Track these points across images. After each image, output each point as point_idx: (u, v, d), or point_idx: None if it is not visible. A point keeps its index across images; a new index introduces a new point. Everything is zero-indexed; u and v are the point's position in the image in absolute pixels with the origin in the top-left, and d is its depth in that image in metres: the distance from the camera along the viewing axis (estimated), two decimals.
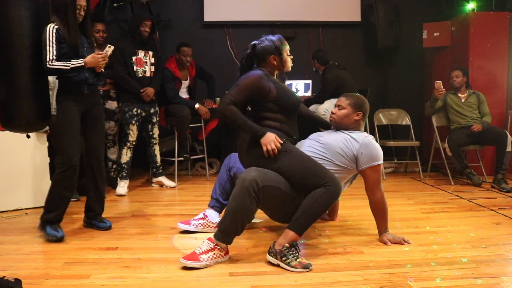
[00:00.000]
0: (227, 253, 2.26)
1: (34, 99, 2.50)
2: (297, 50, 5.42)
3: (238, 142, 2.46)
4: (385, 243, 2.48)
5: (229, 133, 4.70)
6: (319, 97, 4.63)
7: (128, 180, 4.00)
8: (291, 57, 2.52)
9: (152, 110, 4.05)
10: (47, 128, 3.27)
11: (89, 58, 2.61)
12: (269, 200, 2.25)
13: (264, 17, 5.27)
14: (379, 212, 2.52)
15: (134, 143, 3.99)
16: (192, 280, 2.03)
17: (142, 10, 4.63)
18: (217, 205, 2.75)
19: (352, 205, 3.27)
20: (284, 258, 2.13)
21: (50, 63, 2.50)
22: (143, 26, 3.87)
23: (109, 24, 4.31)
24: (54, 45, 2.50)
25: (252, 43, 2.50)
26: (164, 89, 4.22)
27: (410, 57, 5.40)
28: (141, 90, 3.89)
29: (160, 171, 4.25)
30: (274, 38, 2.47)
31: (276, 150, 2.25)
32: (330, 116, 2.63)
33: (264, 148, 2.25)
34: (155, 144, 4.17)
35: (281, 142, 2.28)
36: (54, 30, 2.51)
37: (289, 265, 2.12)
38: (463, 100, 4.35)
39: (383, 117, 4.98)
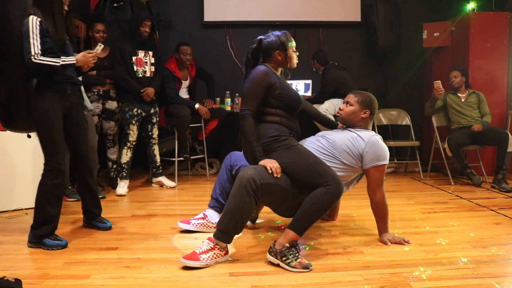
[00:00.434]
0: (227, 253, 2.26)
1: None
2: (297, 50, 5.42)
3: (242, 139, 2.45)
4: (385, 243, 2.48)
5: (229, 133, 4.70)
6: (319, 97, 4.64)
7: (128, 180, 4.00)
8: (297, 53, 2.52)
9: (152, 110, 4.05)
10: None
11: (80, 56, 2.49)
12: (269, 197, 2.25)
13: (264, 17, 5.27)
14: (379, 212, 2.52)
15: (134, 143, 3.99)
16: (192, 280, 2.03)
17: (142, 10, 4.63)
18: (217, 205, 2.75)
19: (353, 205, 3.27)
20: (284, 258, 2.13)
21: (35, 57, 2.32)
22: (143, 26, 3.88)
23: (109, 24, 4.31)
24: (38, 38, 2.33)
25: (258, 37, 2.49)
26: (164, 89, 4.22)
27: (410, 57, 5.40)
28: (141, 90, 3.89)
29: (160, 171, 4.25)
30: (280, 33, 2.46)
31: (279, 169, 2.22)
32: (338, 112, 2.63)
33: (267, 167, 2.21)
34: (155, 144, 4.17)
35: (278, 166, 2.23)
36: (38, 23, 2.34)
37: (289, 265, 2.11)
38: (463, 100, 4.35)
39: (383, 117, 4.98)
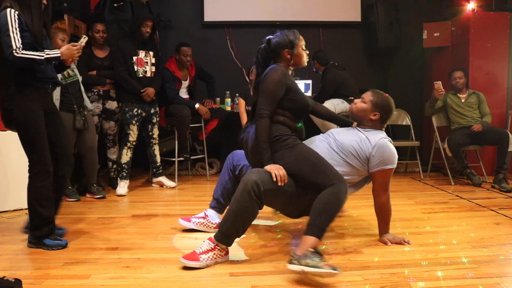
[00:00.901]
0: (227, 253, 2.26)
1: None
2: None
3: (243, 138, 2.43)
4: (385, 243, 2.48)
5: (229, 133, 4.70)
6: (319, 97, 4.63)
7: (128, 180, 4.00)
8: (307, 52, 2.50)
9: (152, 110, 4.05)
10: None
11: (64, 49, 2.38)
12: (273, 200, 2.25)
13: (264, 17, 5.27)
14: (383, 214, 2.50)
15: (134, 143, 3.99)
16: (192, 280, 2.03)
17: (142, 10, 4.63)
18: (217, 206, 2.75)
19: (353, 205, 3.27)
20: (308, 261, 1.96)
21: (17, 51, 2.20)
22: (144, 26, 3.88)
23: (109, 24, 4.31)
24: (18, 32, 2.22)
25: (267, 37, 2.45)
26: (164, 89, 4.22)
27: (410, 57, 5.40)
28: (142, 90, 3.89)
29: (160, 171, 4.25)
30: (288, 32, 2.44)
31: (285, 177, 2.18)
32: (351, 105, 2.60)
33: (272, 174, 2.18)
34: (155, 144, 4.17)
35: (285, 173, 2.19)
36: (16, 16, 2.23)
37: (316, 267, 1.93)
38: (463, 101, 4.35)
39: None
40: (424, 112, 5.01)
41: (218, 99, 4.94)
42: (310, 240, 2.10)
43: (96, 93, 3.98)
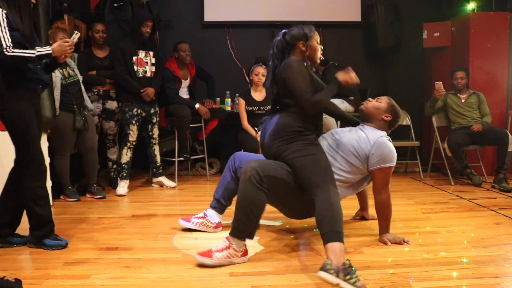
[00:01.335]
0: (244, 254, 2.23)
1: (43, 100, 2.49)
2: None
3: (261, 130, 2.45)
4: (385, 243, 2.48)
5: (229, 133, 4.70)
6: None
7: (128, 180, 4.00)
8: (321, 47, 2.54)
9: (152, 110, 4.05)
10: (48, 128, 3.27)
11: (56, 45, 2.33)
12: (275, 191, 2.23)
13: (264, 17, 5.27)
14: (383, 212, 2.49)
15: (134, 143, 3.99)
16: (192, 280, 2.03)
17: (142, 10, 4.63)
18: (218, 206, 2.74)
19: (352, 205, 3.27)
20: (348, 277, 1.85)
21: (7, 50, 2.15)
22: (144, 26, 3.87)
23: (109, 24, 4.31)
24: (7, 31, 2.17)
25: (283, 31, 2.50)
26: (164, 89, 4.22)
27: (410, 57, 5.40)
28: (141, 90, 3.89)
29: (160, 171, 4.25)
30: (304, 26, 2.48)
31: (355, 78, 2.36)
32: (364, 102, 2.63)
33: (347, 78, 2.36)
34: (155, 144, 4.17)
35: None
36: (4, 15, 2.19)
37: (354, 285, 1.83)
38: (463, 101, 4.35)
39: None
40: (424, 112, 5.01)
41: (218, 99, 4.95)
42: (337, 246, 1.99)
43: (96, 93, 3.98)
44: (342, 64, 4.73)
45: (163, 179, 4.22)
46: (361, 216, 3.01)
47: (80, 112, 3.54)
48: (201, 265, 2.17)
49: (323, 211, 2.10)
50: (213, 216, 2.74)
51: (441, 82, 4.27)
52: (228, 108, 4.88)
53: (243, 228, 2.18)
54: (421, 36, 5.04)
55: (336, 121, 4.06)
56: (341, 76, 2.41)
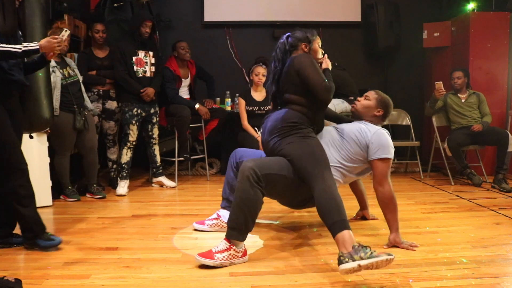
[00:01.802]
0: (244, 254, 2.24)
1: (40, 100, 2.49)
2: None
3: (269, 127, 2.46)
4: (398, 245, 2.42)
5: (229, 133, 4.70)
6: None
7: (128, 180, 4.00)
8: (323, 51, 2.61)
9: (152, 110, 4.05)
10: (48, 128, 3.27)
11: (44, 42, 2.26)
12: (273, 187, 2.27)
13: (264, 17, 5.27)
14: (389, 206, 2.44)
15: (134, 143, 3.99)
16: (192, 280, 2.03)
17: (142, 10, 4.63)
18: (228, 205, 2.73)
19: (352, 205, 3.27)
20: (362, 254, 1.91)
21: None
22: (144, 26, 3.87)
23: (109, 24, 4.31)
24: None
25: (286, 34, 2.60)
26: (164, 89, 4.22)
27: (410, 57, 5.40)
28: (141, 90, 3.89)
29: (160, 171, 4.25)
30: (307, 30, 2.59)
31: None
32: (354, 103, 2.68)
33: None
34: (155, 144, 4.17)
35: None
36: None
37: (371, 257, 1.89)
38: (463, 101, 4.35)
39: None
40: (424, 112, 5.01)
41: (218, 99, 4.95)
42: (345, 235, 2.05)
43: (96, 93, 3.98)
44: (342, 64, 4.75)
45: (163, 179, 4.22)
46: (362, 216, 3.01)
47: (80, 112, 3.54)
48: (201, 265, 2.17)
49: (323, 203, 2.15)
50: (226, 216, 2.72)
51: (441, 82, 4.27)
52: (228, 108, 4.88)
53: (239, 229, 2.19)
54: (421, 36, 5.04)
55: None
56: (324, 65, 2.54)
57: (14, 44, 2.22)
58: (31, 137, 2.73)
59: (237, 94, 4.74)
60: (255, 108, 4.27)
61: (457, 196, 3.74)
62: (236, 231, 2.18)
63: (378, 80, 5.50)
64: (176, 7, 5.30)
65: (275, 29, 5.29)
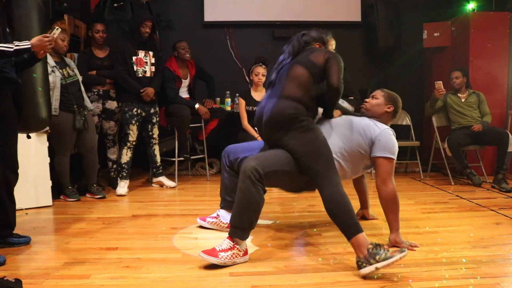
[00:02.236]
0: (245, 253, 2.25)
1: (36, 100, 2.48)
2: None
3: (258, 114, 2.44)
4: (398, 245, 2.41)
5: (229, 133, 4.70)
6: None
7: (128, 180, 4.00)
8: (334, 49, 2.65)
9: (152, 110, 4.05)
10: (47, 128, 3.27)
11: (35, 40, 2.23)
12: (275, 181, 2.30)
13: (264, 17, 5.27)
14: (392, 205, 2.44)
15: (134, 143, 3.99)
16: (192, 280, 2.03)
17: (142, 10, 4.63)
18: (226, 204, 2.75)
19: (353, 205, 3.27)
20: (378, 257, 1.99)
21: None
22: (144, 26, 3.87)
23: (109, 24, 4.31)
24: None
25: (302, 32, 2.58)
26: (164, 88, 4.22)
27: (410, 57, 5.40)
28: (141, 90, 3.89)
29: (160, 171, 4.25)
30: (322, 30, 2.61)
31: None
32: (363, 104, 2.67)
33: None
34: (155, 144, 4.17)
35: None
36: None
37: (386, 258, 1.98)
38: (463, 100, 4.35)
39: None
40: (424, 112, 5.01)
41: (218, 99, 4.95)
42: (359, 239, 2.10)
43: (96, 93, 3.98)
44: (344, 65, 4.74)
45: (163, 179, 4.22)
46: (362, 215, 3.01)
47: (80, 112, 3.54)
48: (201, 265, 2.17)
49: (335, 207, 2.18)
50: (225, 216, 2.75)
51: (441, 82, 4.27)
52: (228, 108, 4.88)
53: (241, 228, 2.19)
54: (421, 36, 5.04)
55: None
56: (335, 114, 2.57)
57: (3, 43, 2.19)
58: (28, 137, 2.72)
59: (237, 94, 4.74)
60: (255, 108, 4.27)
61: (457, 196, 3.74)
62: (240, 229, 2.19)
63: (378, 80, 5.50)
64: (176, 7, 5.30)
65: (275, 29, 5.29)
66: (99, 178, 4.00)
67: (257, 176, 2.15)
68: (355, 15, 5.40)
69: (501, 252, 2.35)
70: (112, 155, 4.14)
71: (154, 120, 4.09)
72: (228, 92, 4.96)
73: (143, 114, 4.00)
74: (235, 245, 2.20)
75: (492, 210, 3.24)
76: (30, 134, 2.73)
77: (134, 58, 3.91)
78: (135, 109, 3.93)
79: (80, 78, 3.69)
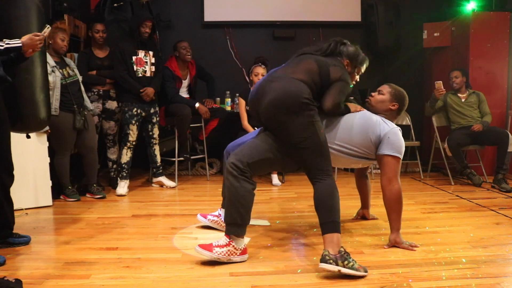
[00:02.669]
0: (243, 253, 2.25)
1: (35, 100, 2.48)
2: (297, 50, 5.40)
3: (259, 87, 2.36)
4: (398, 245, 2.41)
5: (229, 133, 4.69)
6: None
7: (128, 180, 4.00)
8: (357, 80, 2.62)
9: (152, 110, 4.04)
10: (47, 128, 3.27)
11: (26, 39, 2.20)
12: (262, 168, 2.34)
13: (264, 17, 5.27)
14: (395, 205, 2.42)
15: (134, 143, 3.99)
16: (192, 280, 2.03)
17: (142, 10, 4.63)
18: None
19: (353, 205, 3.27)
20: (346, 262, 2.02)
21: None
22: (144, 26, 3.87)
23: (109, 24, 4.30)
24: None
25: (344, 40, 2.54)
26: (164, 88, 4.22)
27: (410, 57, 5.39)
28: (141, 90, 3.89)
29: (160, 171, 4.25)
30: (361, 53, 2.56)
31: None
32: (367, 98, 2.65)
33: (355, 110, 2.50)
34: (155, 144, 4.17)
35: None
36: None
37: (352, 268, 2.02)
38: (463, 100, 4.35)
39: None
40: (424, 112, 5.01)
41: (218, 99, 4.95)
42: (335, 236, 2.12)
43: (96, 93, 3.98)
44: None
45: (163, 179, 4.22)
46: (362, 215, 3.01)
47: (80, 112, 3.54)
48: (201, 265, 2.17)
49: (324, 200, 2.17)
50: None
51: (441, 82, 4.27)
52: (228, 108, 4.88)
53: (234, 223, 2.20)
54: (421, 36, 5.04)
55: None
56: (352, 108, 2.52)
57: None
58: (28, 137, 2.72)
59: (237, 94, 4.74)
60: None
61: (457, 196, 3.75)
62: (232, 226, 2.20)
63: (378, 80, 5.49)
64: (176, 7, 5.30)
65: (275, 29, 5.29)
66: (99, 178, 4.00)
67: (238, 170, 2.17)
68: (355, 15, 5.40)
69: (501, 252, 2.35)
70: (112, 155, 4.14)
71: (154, 120, 4.09)
72: (228, 92, 4.96)
73: (143, 114, 4.00)
74: (231, 242, 2.20)
75: (492, 210, 3.24)
76: (29, 134, 2.72)
77: (134, 58, 3.90)
78: (135, 109, 3.93)
79: (80, 78, 3.69)
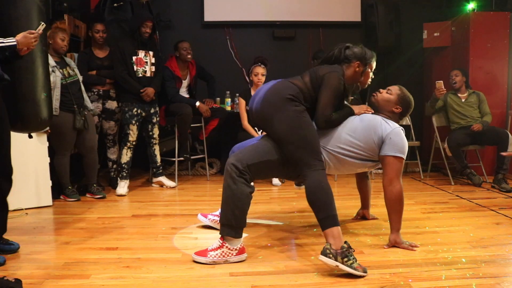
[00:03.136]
0: (240, 252, 2.24)
1: (36, 100, 2.48)
2: (297, 50, 5.41)
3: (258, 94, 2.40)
4: (398, 245, 2.41)
5: (229, 133, 4.70)
6: None
7: (128, 180, 4.00)
8: (372, 76, 2.59)
9: (152, 110, 4.05)
10: (48, 128, 3.27)
11: (21, 37, 2.16)
12: (262, 172, 2.30)
13: (264, 17, 5.27)
14: (396, 205, 2.41)
15: (134, 143, 3.99)
16: (192, 280, 2.03)
17: (142, 10, 4.63)
18: None
19: (353, 205, 3.27)
20: (345, 259, 2.02)
21: None
22: (144, 26, 3.87)
23: (109, 24, 4.31)
24: None
25: (346, 44, 2.52)
26: (164, 87, 4.22)
27: (410, 57, 5.40)
28: (141, 90, 3.89)
29: (160, 171, 4.25)
30: (368, 50, 2.54)
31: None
32: (374, 93, 2.63)
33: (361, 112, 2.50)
34: (155, 144, 4.17)
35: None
36: None
37: (351, 267, 2.01)
38: (463, 100, 4.35)
39: None
40: (424, 112, 5.01)
41: (218, 99, 4.95)
42: (334, 230, 2.12)
43: (96, 93, 3.98)
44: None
45: (163, 179, 4.22)
46: (362, 215, 3.01)
47: (80, 112, 3.54)
48: (201, 265, 2.17)
49: (316, 195, 2.18)
50: None
51: (441, 81, 4.27)
52: (228, 108, 4.88)
53: (229, 225, 2.20)
54: (421, 36, 5.04)
55: None
56: (356, 109, 2.51)
57: None
58: (30, 136, 2.72)
59: (237, 94, 4.74)
60: None
61: (457, 196, 3.75)
62: (226, 227, 2.20)
63: (378, 80, 5.48)
64: (176, 7, 5.30)
65: (275, 29, 5.29)
66: (99, 178, 4.00)
67: (237, 172, 2.17)
68: (355, 15, 5.40)
69: (501, 252, 2.35)
70: (112, 155, 4.14)
71: (154, 120, 4.09)
72: (228, 92, 4.97)
73: (143, 114, 4.00)
74: (224, 243, 2.21)
75: (492, 210, 3.24)
76: (31, 134, 2.72)
77: (134, 58, 3.90)
78: (135, 109, 3.93)
79: (81, 78, 3.69)
